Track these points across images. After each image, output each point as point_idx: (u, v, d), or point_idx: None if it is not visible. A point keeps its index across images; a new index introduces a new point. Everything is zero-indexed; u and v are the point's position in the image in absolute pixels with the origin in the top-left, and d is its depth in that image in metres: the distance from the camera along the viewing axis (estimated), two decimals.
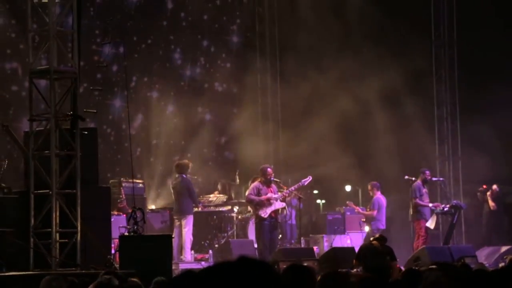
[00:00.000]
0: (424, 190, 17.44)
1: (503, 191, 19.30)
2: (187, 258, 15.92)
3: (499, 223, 18.66)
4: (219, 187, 18.64)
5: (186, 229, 15.96)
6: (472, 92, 19.79)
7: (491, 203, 18.83)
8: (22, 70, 17.00)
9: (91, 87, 11.78)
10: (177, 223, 16.17)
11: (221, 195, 18.01)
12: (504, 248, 16.47)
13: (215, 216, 17.69)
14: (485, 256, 16.48)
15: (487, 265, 14.12)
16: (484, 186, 19.19)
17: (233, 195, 18.57)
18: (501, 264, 13.58)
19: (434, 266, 7.91)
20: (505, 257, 12.90)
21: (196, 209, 16.76)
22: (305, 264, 11.72)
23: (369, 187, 17.96)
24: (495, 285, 5.61)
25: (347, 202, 18.96)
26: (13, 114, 17.01)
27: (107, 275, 7.47)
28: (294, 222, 17.71)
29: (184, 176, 16.25)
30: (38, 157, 10.86)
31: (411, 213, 17.36)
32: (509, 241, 17.18)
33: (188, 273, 2.81)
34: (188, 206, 16.12)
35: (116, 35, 12.54)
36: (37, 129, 11.04)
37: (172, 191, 16.45)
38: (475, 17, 19.71)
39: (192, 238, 16.08)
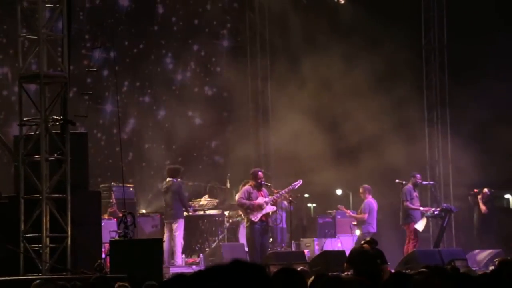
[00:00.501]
0: (415, 194, 17.49)
1: (494, 194, 19.35)
2: (178, 262, 15.91)
3: (490, 227, 18.68)
4: (207, 190, 18.62)
5: (177, 233, 15.94)
6: (462, 96, 19.85)
7: (482, 207, 18.85)
8: (12, 75, 16.98)
9: (81, 92, 11.76)
10: (168, 227, 16.16)
11: (212, 199, 18.01)
12: (494, 251, 16.52)
13: (206, 220, 17.69)
14: (475, 260, 16.52)
15: (477, 268, 14.17)
16: (475, 190, 19.22)
17: (224, 199, 18.56)
18: (491, 267, 13.61)
19: (424, 269, 7.94)
20: (495, 260, 12.93)
21: (186, 214, 16.76)
22: (297, 267, 11.72)
23: (360, 190, 17.98)
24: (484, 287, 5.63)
25: (338, 206, 18.99)
26: (3, 119, 16.99)
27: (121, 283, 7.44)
28: (284, 225, 17.72)
29: (175, 180, 16.23)
30: (28, 161, 10.84)
31: (402, 216, 17.39)
32: (500, 244, 17.21)
33: (179, 276, 2.82)
34: (179, 210, 16.11)
35: (106, 40, 12.52)
36: (26, 133, 11.02)
37: (163, 195, 16.45)
38: (465, 22, 19.79)
39: (183, 242, 16.08)
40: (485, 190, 18.96)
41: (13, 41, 15.62)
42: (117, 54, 17.23)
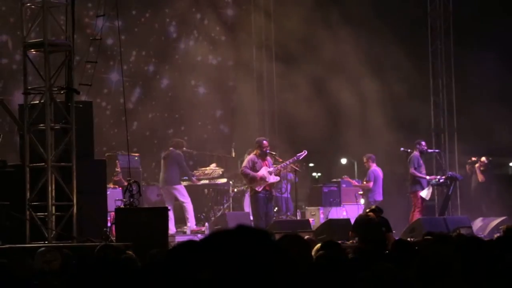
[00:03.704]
0: (422, 162, 17.42)
1: (497, 162, 19.30)
2: (193, 226, 16.06)
3: (488, 195, 18.65)
4: (214, 159, 18.63)
5: (185, 200, 16.07)
6: (468, 63, 19.76)
7: (479, 175, 18.81)
8: (12, 43, 16.91)
9: (86, 60, 11.71)
10: (167, 195, 16.23)
11: (217, 168, 18.01)
12: (498, 219, 16.52)
13: (211, 189, 17.72)
14: (478, 228, 16.53)
15: (482, 235, 14.19)
16: (473, 158, 19.15)
17: (229, 168, 18.57)
18: (496, 235, 13.62)
19: (428, 237, 7.94)
20: (500, 227, 12.93)
21: (188, 183, 16.83)
22: (302, 236, 11.74)
23: (364, 159, 17.96)
24: (493, 255, 5.62)
25: (343, 176, 18.97)
26: (3, 87, 16.93)
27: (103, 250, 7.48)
28: (289, 195, 17.73)
29: (175, 150, 16.33)
30: (33, 130, 10.84)
31: (409, 184, 17.37)
32: (500, 213, 17.20)
33: (188, 242, 2.81)
34: (174, 176, 16.20)
35: (111, 8, 12.44)
36: (31, 102, 11.01)
37: (162, 162, 16.54)
38: None
39: (192, 206, 16.24)
40: (483, 158, 18.90)
41: (12, 9, 15.58)
42: (125, 24, 17.17)
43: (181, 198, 16.14)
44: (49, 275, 6.96)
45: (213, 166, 18.18)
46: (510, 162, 25.99)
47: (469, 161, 19.32)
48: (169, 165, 16.20)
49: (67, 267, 7.15)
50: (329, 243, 6.79)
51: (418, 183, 17.13)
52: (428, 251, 4.79)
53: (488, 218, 17.06)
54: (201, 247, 2.48)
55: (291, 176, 17.46)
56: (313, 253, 6.51)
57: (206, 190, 17.80)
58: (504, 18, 19.32)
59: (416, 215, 16.59)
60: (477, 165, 18.96)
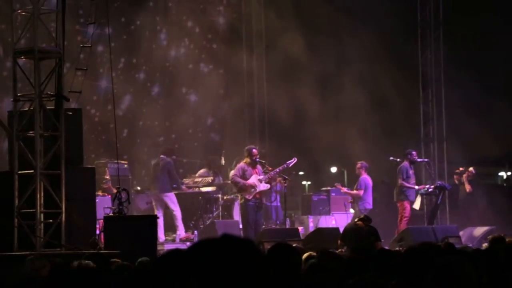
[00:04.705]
0: (411, 172, 17.41)
1: (485, 172, 19.35)
2: (182, 234, 16.06)
3: (476, 205, 18.68)
4: (203, 167, 18.60)
5: (174, 208, 16.06)
6: (458, 73, 19.84)
7: (467, 186, 18.85)
8: (3, 49, 16.89)
9: (76, 68, 11.70)
10: (158, 203, 16.23)
11: (207, 177, 18.00)
12: (486, 228, 16.55)
13: (200, 197, 17.70)
14: (466, 237, 16.55)
15: (471, 245, 14.21)
16: (461, 168, 19.20)
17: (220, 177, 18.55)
18: (484, 245, 13.65)
19: (414, 246, 7.95)
20: (488, 237, 12.97)
21: (178, 191, 16.82)
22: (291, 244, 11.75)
23: (358, 165, 17.76)
24: (480, 265, 5.64)
25: (335, 184, 18.97)
26: None
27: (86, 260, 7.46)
28: (279, 204, 17.73)
29: (166, 157, 16.32)
30: (22, 137, 10.82)
31: (396, 193, 17.39)
32: (488, 223, 17.23)
33: (175, 251, 2.82)
34: (165, 184, 16.20)
35: (101, 16, 12.44)
36: (21, 109, 10.98)
37: (152, 169, 16.54)
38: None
39: (180, 214, 16.22)
40: (470, 169, 18.94)
41: (3, 16, 15.54)
42: (114, 31, 17.17)
43: (171, 206, 16.14)
44: (38, 282, 6.95)
45: (204, 170, 18.15)
46: (497, 172, 26.09)
47: (457, 171, 19.37)
48: (160, 173, 16.20)
49: (56, 275, 7.13)
50: (323, 252, 6.80)
51: (405, 193, 17.15)
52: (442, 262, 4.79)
53: (476, 227, 17.09)
54: (187, 256, 2.50)
55: (279, 187, 17.48)
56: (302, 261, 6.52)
57: (195, 198, 17.78)
58: (494, 24, 19.41)
59: (403, 225, 16.61)
60: (464, 175, 19.00)
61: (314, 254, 6.87)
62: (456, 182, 19.26)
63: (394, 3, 19.64)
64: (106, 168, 16.34)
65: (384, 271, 5.53)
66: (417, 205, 17.27)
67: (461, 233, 16.05)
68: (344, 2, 19.63)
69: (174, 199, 16.26)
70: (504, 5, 19.77)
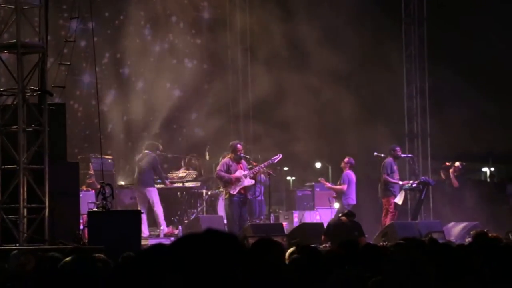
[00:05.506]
0: (395, 167, 17.46)
1: (469, 167, 19.41)
2: (165, 230, 16.04)
3: (461, 200, 18.75)
4: (183, 163, 18.56)
5: (155, 204, 16.02)
6: (442, 70, 19.91)
7: (453, 181, 18.90)
8: None
9: (59, 62, 11.66)
10: (140, 198, 16.20)
11: (190, 171, 17.99)
12: (469, 224, 16.63)
13: (184, 192, 17.69)
14: (450, 232, 16.62)
15: (454, 240, 14.27)
16: (447, 163, 19.24)
17: (202, 171, 18.54)
18: (468, 239, 13.72)
19: (401, 241, 7.98)
20: (471, 232, 13.03)
21: (161, 186, 16.79)
22: (274, 239, 11.76)
23: (345, 159, 17.73)
24: (462, 259, 5.67)
25: (319, 178, 18.99)
26: None
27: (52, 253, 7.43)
28: (262, 198, 17.74)
29: (151, 153, 16.29)
30: (5, 132, 10.77)
31: (380, 189, 17.44)
32: (473, 218, 17.32)
33: (157, 246, 2.81)
34: (149, 179, 16.17)
35: (85, 11, 12.40)
36: (4, 103, 10.94)
37: (136, 164, 16.50)
38: None
39: (162, 210, 16.18)
40: (457, 163, 18.98)
41: None
42: (98, 25, 17.10)
43: (154, 201, 16.11)
44: (23, 278, 6.92)
45: (183, 169, 18.12)
46: (481, 167, 26.19)
47: (443, 166, 19.41)
48: (144, 168, 16.17)
49: (41, 270, 7.11)
50: (304, 247, 6.82)
51: (389, 189, 17.20)
52: (398, 255, 4.82)
53: (460, 223, 17.16)
54: (170, 250, 2.49)
55: (263, 178, 17.47)
56: (286, 256, 6.54)
57: (179, 193, 17.76)
58: (478, 22, 19.49)
59: (388, 220, 16.66)
60: (451, 170, 19.04)
61: None
62: (443, 177, 19.30)
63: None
64: (90, 163, 16.29)
65: (370, 266, 5.55)
66: (399, 200, 17.31)
67: (444, 228, 16.11)
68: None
69: (157, 195, 16.19)
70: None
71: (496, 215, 17.63)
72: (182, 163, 18.52)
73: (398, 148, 17.71)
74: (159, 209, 16.11)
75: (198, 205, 17.56)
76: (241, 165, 15.65)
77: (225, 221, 15.79)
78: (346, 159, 17.77)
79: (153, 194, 16.16)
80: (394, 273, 4.04)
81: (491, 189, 20.66)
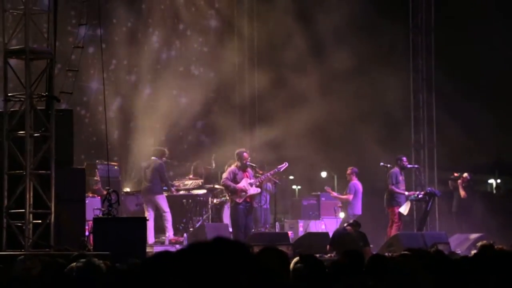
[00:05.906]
0: (401, 178, 17.43)
1: (476, 179, 19.36)
2: (171, 236, 16.05)
3: (469, 212, 18.70)
4: (192, 170, 18.57)
5: (165, 210, 16.07)
6: (448, 81, 19.90)
7: (461, 191, 18.85)
8: None
9: (67, 69, 11.69)
10: (149, 205, 16.21)
11: (196, 179, 17.98)
12: (475, 235, 16.58)
13: (190, 200, 17.68)
14: (456, 244, 16.58)
15: (460, 252, 14.23)
16: (455, 174, 19.20)
17: (208, 179, 18.53)
18: (473, 251, 13.67)
19: (406, 252, 7.96)
20: (477, 244, 12.99)
21: (168, 193, 16.80)
22: (279, 248, 11.74)
23: (348, 171, 17.77)
24: (467, 271, 5.66)
25: (325, 187, 18.96)
26: None
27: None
28: (268, 206, 17.73)
29: (158, 159, 16.31)
30: (13, 137, 10.79)
31: (386, 199, 17.40)
32: (480, 229, 17.27)
33: (164, 253, 2.81)
34: (157, 186, 16.19)
35: (93, 17, 12.44)
36: (11, 109, 10.96)
37: (143, 171, 16.51)
38: (453, 5, 19.80)
39: (171, 216, 16.23)
40: (465, 174, 18.93)
41: None
42: (106, 32, 17.14)
43: (163, 208, 16.13)
44: (28, 283, 6.92)
45: (190, 177, 18.11)
46: (488, 179, 26.12)
47: (452, 176, 19.37)
48: (151, 175, 16.17)
49: (47, 275, 7.11)
50: (306, 256, 6.80)
51: (395, 199, 17.17)
52: (399, 265, 4.81)
53: (465, 234, 17.12)
54: (177, 258, 2.49)
55: (269, 186, 17.45)
56: (291, 266, 6.52)
57: (185, 201, 17.76)
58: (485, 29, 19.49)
59: (393, 231, 16.62)
60: (459, 181, 19.00)
61: None
62: (451, 187, 19.25)
63: (386, 8, 19.70)
64: (96, 169, 16.31)
65: (376, 277, 5.53)
66: (404, 210, 17.26)
67: (450, 239, 16.07)
68: (338, 7, 19.60)
69: (165, 201, 16.24)
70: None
71: (503, 226, 17.57)
72: (191, 169, 18.54)
73: (404, 159, 17.68)
74: (169, 216, 16.17)
75: (204, 212, 17.55)
76: (247, 173, 15.65)
77: (231, 229, 15.77)
78: (350, 169, 17.79)
79: (162, 201, 16.18)
80: (395, 283, 4.03)
81: (496, 201, 20.60)
